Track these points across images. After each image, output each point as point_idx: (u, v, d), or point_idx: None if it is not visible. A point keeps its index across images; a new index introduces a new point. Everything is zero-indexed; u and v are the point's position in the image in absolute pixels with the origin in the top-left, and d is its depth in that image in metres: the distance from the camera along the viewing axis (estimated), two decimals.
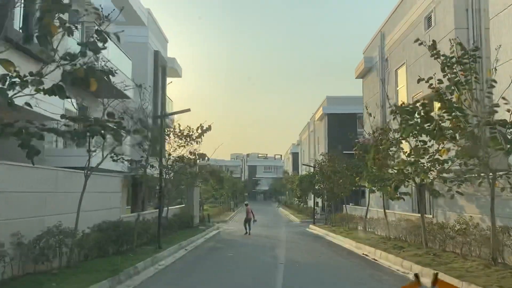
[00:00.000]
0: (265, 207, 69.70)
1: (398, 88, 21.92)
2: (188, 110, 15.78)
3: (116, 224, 12.73)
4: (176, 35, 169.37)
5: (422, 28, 18.60)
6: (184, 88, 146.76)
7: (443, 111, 9.12)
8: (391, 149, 13.45)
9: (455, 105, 8.81)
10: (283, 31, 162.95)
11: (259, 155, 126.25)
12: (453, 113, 8.76)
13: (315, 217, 33.01)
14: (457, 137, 9.10)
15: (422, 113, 9.78)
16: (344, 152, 28.84)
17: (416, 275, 1.50)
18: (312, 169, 34.83)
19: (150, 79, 22.78)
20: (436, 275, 1.44)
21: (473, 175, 9.82)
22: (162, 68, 25.64)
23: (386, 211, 19.35)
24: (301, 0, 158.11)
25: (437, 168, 11.21)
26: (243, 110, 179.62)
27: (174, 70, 27.62)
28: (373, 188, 15.90)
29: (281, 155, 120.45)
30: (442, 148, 9.63)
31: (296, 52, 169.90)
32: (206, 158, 20.45)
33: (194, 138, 17.39)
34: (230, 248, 17.19)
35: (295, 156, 77.47)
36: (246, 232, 23.26)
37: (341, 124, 40.84)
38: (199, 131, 16.80)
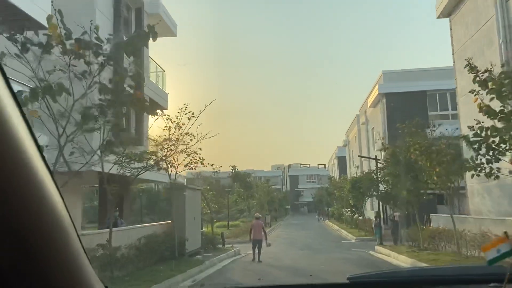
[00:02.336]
0: (308, 220, 59.67)
1: None
2: None
3: None
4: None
5: None
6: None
7: None
8: None
9: None
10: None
11: (301, 165, 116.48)
12: None
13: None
14: None
15: None
16: None
17: (505, 232, 1.53)
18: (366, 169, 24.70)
19: (107, 22, 13.90)
20: None
21: None
22: (136, 12, 16.76)
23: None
24: None
25: None
26: (284, 119, 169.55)
27: (162, 21, 18.57)
28: None
29: (324, 165, 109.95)
30: None
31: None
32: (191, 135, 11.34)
33: None
34: None
35: (341, 160, 66.76)
36: (254, 258, 15.74)
37: (405, 107, 30.36)
38: None
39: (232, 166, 32.21)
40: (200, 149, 12.92)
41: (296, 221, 56.43)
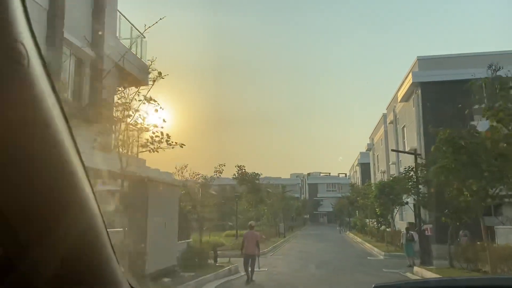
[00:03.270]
0: (328, 231, 54.88)
1: None
2: None
3: None
4: None
5: None
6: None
7: None
8: None
9: None
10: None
11: (321, 173, 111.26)
12: None
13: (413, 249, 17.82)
14: None
15: None
16: None
17: None
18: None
19: None
20: None
21: None
22: None
23: None
24: None
25: None
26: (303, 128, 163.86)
27: None
28: None
29: (345, 174, 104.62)
30: None
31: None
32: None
33: None
34: None
35: (364, 167, 61.63)
36: (248, 280, 12.33)
37: (444, 99, 25.56)
38: None
39: (238, 166, 27.82)
40: (164, 121, 8.70)
41: (314, 232, 51.70)
